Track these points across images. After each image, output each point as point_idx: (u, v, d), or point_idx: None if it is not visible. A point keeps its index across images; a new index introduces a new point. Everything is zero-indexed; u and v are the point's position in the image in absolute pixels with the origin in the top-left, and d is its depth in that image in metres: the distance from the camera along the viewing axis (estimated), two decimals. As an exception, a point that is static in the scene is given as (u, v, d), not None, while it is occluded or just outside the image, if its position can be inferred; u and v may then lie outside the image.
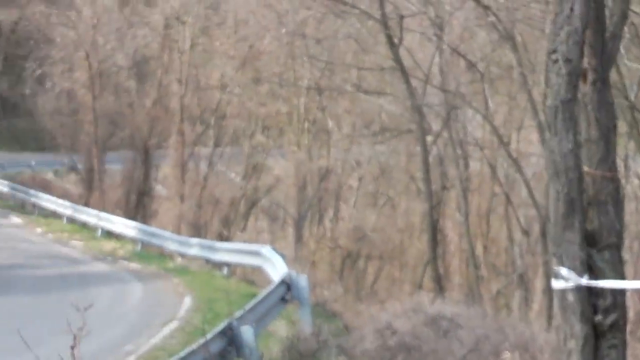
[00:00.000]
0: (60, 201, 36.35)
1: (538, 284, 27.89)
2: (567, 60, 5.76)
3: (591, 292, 6.10)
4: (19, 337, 10.92)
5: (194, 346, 11.39)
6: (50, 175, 51.42)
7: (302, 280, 16.36)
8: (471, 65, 28.88)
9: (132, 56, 42.27)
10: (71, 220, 34.00)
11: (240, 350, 12.28)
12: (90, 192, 41.23)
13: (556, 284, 6.02)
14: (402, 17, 27.01)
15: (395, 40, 27.23)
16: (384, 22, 27.18)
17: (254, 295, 16.88)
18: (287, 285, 16.04)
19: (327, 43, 35.17)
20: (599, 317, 6.09)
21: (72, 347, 5.43)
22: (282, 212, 38.65)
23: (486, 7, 24.27)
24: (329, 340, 14.41)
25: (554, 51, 5.78)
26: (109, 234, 31.35)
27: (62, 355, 5.61)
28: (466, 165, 30.90)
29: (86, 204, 37.33)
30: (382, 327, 14.75)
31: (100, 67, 41.02)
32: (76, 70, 42.85)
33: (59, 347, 6.13)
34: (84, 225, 33.39)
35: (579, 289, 6.01)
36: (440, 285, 26.35)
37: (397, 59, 27.26)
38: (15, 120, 60.81)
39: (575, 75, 5.85)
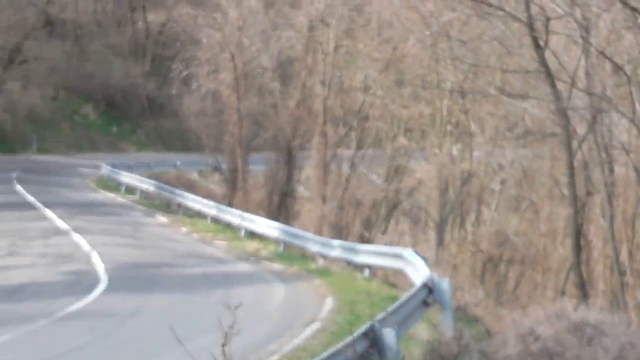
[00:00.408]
0: (205, 201, 36.94)
1: (686, 292, 26.38)
2: None
3: None
4: (168, 333, 10.32)
5: (337, 347, 11.20)
6: (194, 175, 52.20)
7: (444, 284, 16.33)
8: (618, 68, 27.17)
9: (276, 58, 42.69)
10: (215, 220, 34.54)
11: (382, 353, 12.17)
12: (233, 192, 41.56)
13: None
14: (548, 19, 25.68)
15: (541, 43, 25.91)
16: (529, 24, 25.55)
17: (395, 298, 17.06)
18: (429, 288, 16.01)
19: (471, 45, 34.05)
20: None
21: (223, 345, 5.86)
22: (423, 214, 37.66)
23: (634, 9, 22.80)
24: (471, 345, 14.31)
25: None
26: (252, 234, 31.54)
27: (213, 352, 6.15)
28: (611, 170, 28.62)
29: (230, 204, 37.91)
30: (524, 332, 14.33)
31: (245, 69, 41.65)
32: (221, 71, 43.40)
33: (207, 344, 6.74)
34: (228, 225, 33.76)
35: None
36: (583, 292, 24.54)
37: (543, 62, 26.03)
38: (162, 121, 62.77)
39: None
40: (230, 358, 5.94)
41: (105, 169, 47.58)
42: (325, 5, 38.89)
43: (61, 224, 31.48)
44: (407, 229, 36.15)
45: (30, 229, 30.24)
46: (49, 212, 34.04)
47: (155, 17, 64.97)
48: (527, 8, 24.94)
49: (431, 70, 35.82)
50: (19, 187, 41.70)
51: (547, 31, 25.94)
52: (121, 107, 62.30)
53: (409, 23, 35.69)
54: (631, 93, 26.59)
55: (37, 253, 25.90)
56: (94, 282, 21.88)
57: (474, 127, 36.65)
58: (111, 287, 21.12)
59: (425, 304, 15.78)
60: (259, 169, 43.63)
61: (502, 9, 27.27)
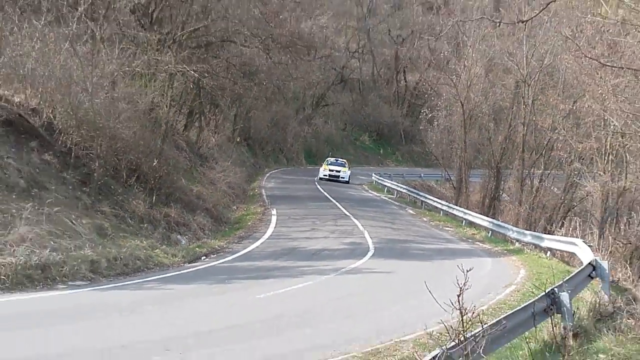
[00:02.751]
0: (439, 200, 41.20)
1: None
2: None
3: None
4: (415, 285, 15.27)
5: (527, 302, 13.03)
6: (432, 183, 57.65)
7: (604, 264, 17.28)
8: None
9: (492, 106, 46.26)
10: (445, 214, 38.69)
11: (560, 309, 13.59)
12: (459, 195, 45.32)
13: None
14: None
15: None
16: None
17: (569, 272, 18.31)
18: (593, 267, 17.32)
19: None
20: None
21: (458, 295, 6.98)
22: (589, 216, 37.10)
23: None
24: (621, 307, 15.78)
25: None
26: (470, 224, 35.00)
27: (450, 298, 7.35)
28: None
29: (456, 204, 41.94)
30: None
31: (470, 113, 45.03)
32: (454, 114, 47.91)
33: (442, 294, 7.65)
34: (454, 218, 37.57)
35: None
36: None
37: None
38: (412, 146, 64.97)
39: None
40: (462, 304, 7.07)
41: (374, 177, 54.47)
42: (527, 72, 40.09)
43: (345, 211, 35.54)
44: (578, 226, 32.23)
45: (325, 214, 34.42)
46: (337, 204, 38.20)
47: (411, 77, 67.12)
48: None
49: (599, 117, 34.80)
50: (319, 187, 46.95)
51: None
52: (386, 136, 65.27)
53: (585, 85, 35.89)
54: None
55: (329, 230, 29.49)
56: (365, 250, 24.89)
57: (629, 157, 34.59)
58: (376, 254, 24.23)
59: (590, 277, 17.23)
60: (476, 180, 46.12)
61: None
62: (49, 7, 26.24)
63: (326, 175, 53.35)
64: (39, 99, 22.56)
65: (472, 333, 8.39)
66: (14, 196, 18.83)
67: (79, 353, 11.47)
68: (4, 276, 15.33)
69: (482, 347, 8.39)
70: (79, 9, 27.03)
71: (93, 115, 22.67)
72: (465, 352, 7.58)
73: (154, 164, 25.36)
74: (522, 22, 20.94)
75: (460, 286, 6.96)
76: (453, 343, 8.07)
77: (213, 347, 12.27)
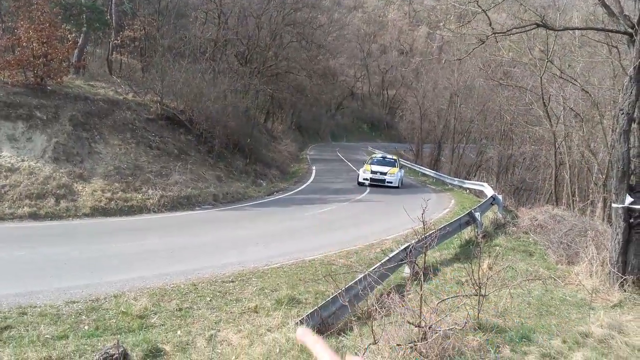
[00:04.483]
0: (406, 161, 36.90)
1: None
2: None
3: (630, 210, 8.31)
4: (397, 209, 15.51)
5: (456, 218, 12.96)
6: (402, 152, 46.45)
7: (500, 197, 16.89)
8: None
9: (436, 108, 42.33)
10: (409, 169, 34.20)
11: (475, 221, 13.36)
12: (417, 158, 42.10)
13: (614, 205, 8.37)
14: None
15: None
16: None
17: (479, 201, 17.83)
18: (493, 198, 16.69)
19: None
20: (631, 220, 8.34)
21: (422, 213, 6.45)
22: (490, 170, 35.25)
23: None
24: (509, 221, 15.02)
25: None
26: (423, 175, 32.16)
27: (415, 215, 6.75)
28: None
29: (415, 163, 37.90)
30: (531, 217, 14.79)
31: (424, 112, 42.74)
32: (415, 112, 45.11)
33: (410, 213, 7.15)
34: (414, 171, 33.96)
35: (624, 208, 8.23)
36: (556, 202, 21.46)
37: None
38: (391, 131, 61.22)
39: None
40: (424, 217, 6.43)
41: (370, 148, 45.83)
42: (457, 88, 37.38)
43: (352, 167, 32.11)
44: (484, 175, 34.03)
45: (341, 169, 32.48)
46: (348, 163, 35.27)
47: (391, 92, 64.38)
48: None
49: (498, 114, 33.99)
50: (339, 154, 41.66)
51: None
52: (376, 126, 62.07)
53: (489, 95, 34.27)
54: None
55: (344, 177, 28.06)
56: (365, 189, 23.53)
57: (514, 137, 33.59)
58: (371, 191, 22.97)
59: (491, 204, 16.54)
60: (427, 150, 43.46)
61: None
62: (188, 54, 26.67)
63: (367, 179, 25.09)
64: (184, 105, 22.82)
65: (428, 233, 8.34)
66: (171, 159, 19.29)
67: (219, 238, 12.45)
68: (168, 202, 15.78)
69: (435, 242, 8.45)
70: (206, 54, 27.50)
71: (214, 114, 22.79)
72: (425, 244, 7.51)
73: (248, 141, 25.57)
74: (459, 59, 21.10)
75: (423, 207, 6.57)
76: (417, 239, 8.18)
77: (283, 241, 12.66)
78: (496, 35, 11.44)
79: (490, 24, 11.41)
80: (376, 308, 6.03)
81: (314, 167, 31.57)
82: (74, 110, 17.98)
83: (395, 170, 25.33)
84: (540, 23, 10.85)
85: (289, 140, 39.96)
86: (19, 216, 12.92)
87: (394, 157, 28.27)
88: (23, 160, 14.94)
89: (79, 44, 23.40)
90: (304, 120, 49.80)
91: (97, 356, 4.03)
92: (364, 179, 24.85)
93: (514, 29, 11.82)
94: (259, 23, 33.58)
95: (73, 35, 23.20)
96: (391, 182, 24.41)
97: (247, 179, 22.55)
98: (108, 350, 4.15)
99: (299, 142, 43.17)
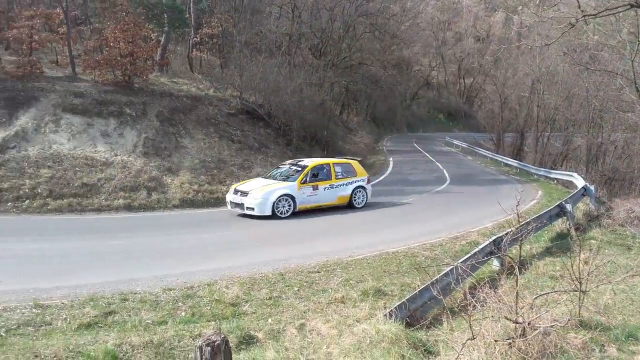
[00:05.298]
0: (486, 151, 36.90)
1: None
2: None
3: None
4: (483, 199, 16.15)
5: (545, 210, 12.56)
6: (481, 141, 45.24)
7: (592, 187, 16.35)
8: None
9: (517, 96, 40.22)
10: (490, 159, 34.22)
11: (566, 213, 13.01)
12: (498, 148, 40.59)
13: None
14: None
15: None
16: None
17: (569, 192, 17.22)
18: (584, 189, 16.16)
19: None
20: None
21: (517, 205, 6.21)
22: (579, 160, 33.61)
23: None
24: (603, 213, 14.71)
25: None
26: (505, 165, 31.35)
27: (502, 207, 7.00)
28: None
29: (496, 153, 37.68)
30: (627, 208, 14.46)
31: (504, 100, 40.14)
32: (494, 101, 42.77)
33: (495, 204, 7.42)
34: (495, 161, 33.16)
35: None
36: None
37: None
38: (469, 120, 59.04)
39: None
40: (518, 208, 6.20)
41: (448, 139, 45.49)
42: (539, 74, 35.50)
43: (431, 158, 32.74)
44: (572, 165, 32.71)
45: (419, 160, 31.43)
46: (426, 154, 35.00)
47: (467, 80, 62.85)
48: None
49: (585, 100, 32.30)
50: (415, 145, 41.19)
51: None
52: (453, 115, 60.37)
53: (574, 81, 32.96)
54: None
55: (422, 168, 27.65)
56: (444, 180, 23.23)
57: (603, 124, 31.40)
58: (451, 182, 22.65)
59: (583, 195, 16.02)
60: (508, 139, 41.22)
61: None
62: (265, 48, 27.01)
63: (231, 203, 14.04)
64: (263, 99, 23.15)
65: (523, 223, 7.96)
66: (252, 152, 19.68)
67: (299, 230, 12.20)
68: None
69: (530, 234, 8.28)
70: (281, 49, 27.83)
71: (291, 107, 23.10)
72: (520, 237, 7.16)
73: (325, 133, 25.60)
74: (547, 44, 19.71)
75: (518, 199, 6.41)
76: (508, 231, 7.91)
77: (364, 233, 12.55)
78: (586, 18, 10.74)
79: (579, 6, 10.72)
80: (472, 302, 5.84)
81: (390, 159, 31.23)
82: (160, 107, 18.86)
83: (272, 187, 13.80)
84: (635, 3, 10.07)
85: (365, 132, 39.81)
86: (114, 208, 13.89)
87: (320, 163, 15.32)
88: (116, 155, 15.89)
89: (161, 42, 24.45)
90: (379, 111, 49.40)
91: (200, 342, 4.20)
92: (228, 202, 14.37)
93: (606, 11, 11.01)
94: (332, 15, 33.62)
95: (156, 34, 24.30)
96: (252, 209, 13.42)
97: (324, 170, 22.55)
98: (210, 337, 4.30)
99: (375, 134, 42.79)
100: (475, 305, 5.95)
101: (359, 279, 8.82)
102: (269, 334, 6.64)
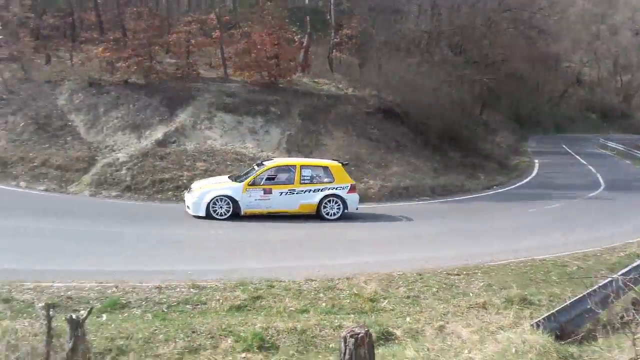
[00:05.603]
0: None
1: None
2: None
3: None
4: (633, 211, 15.08)
5: None
6: None
7: None
8: None
9: None
10: None
11: None
12: None
13: None
14: None
15: None
16: None
17: None
18: None
19: None
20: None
21: None
22: None
23: None
24: None
25: None
26: None
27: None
28: None
29: None
30: None
31: None
32: None
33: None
34: None
35: None
36: None
37: None
38: (629, 120, 55.11)
39: None
40: None
41: (601, 141, 39.60)
42: None
43: (582, 160, 30.19)
44: None
45: (568, 162, 29.30)
46: (576, 156, 32.24)
47: (625, 77, 58.53)
48: None
49: None
50: (564, 146, 37.64)
51: None
52: (608, 115, 55.87)
53: None
54: None
55: (572, 171, 25.44)
56: (598, 185, 21.69)
57: None
58: (606, 188, 20.96)
59: None
60: None
61: None
62: (402, 47, 26.95)
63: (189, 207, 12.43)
64: (401, 98, 23.15)
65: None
66: (389, 150, 19.85)
67: (441, 231, 12.10)
68: (387, 193, 16.31)
69: None
70: (420, 46, 27.58)
71: (429, 106, 22.91)
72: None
73: (463, 133, 24.98)
74: None
75: None
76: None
77: (507, 237, 12.08)
78: None
79: None
80: (635, 319, 5.27)
81: (536, 160, 29.56)
82: (302, 106, 19.79)
83: (209, 187, 12.56)
84: None
85: (507, 132, 37.81)
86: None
87: (284, 164, 13.28)
88: (262, 151, 16.95)
89: (304, 44, 25.40)
90: (523, 110, 46.78)
91: (345, 333, 4.35)
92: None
93: None
94: (473, 11, 32.56)
95: (299, 36, 25.32)
96: (189, 208, 12.41)
97: (464, 171, 22.02)
98: (354, 329, 4.46)
99: (518, 134, 40.50)
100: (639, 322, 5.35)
101: (502, 285, 8.50)
102: (407, 332, 6.60)
